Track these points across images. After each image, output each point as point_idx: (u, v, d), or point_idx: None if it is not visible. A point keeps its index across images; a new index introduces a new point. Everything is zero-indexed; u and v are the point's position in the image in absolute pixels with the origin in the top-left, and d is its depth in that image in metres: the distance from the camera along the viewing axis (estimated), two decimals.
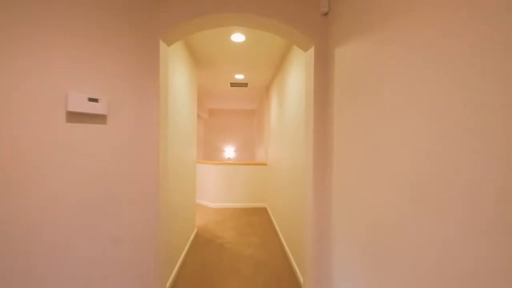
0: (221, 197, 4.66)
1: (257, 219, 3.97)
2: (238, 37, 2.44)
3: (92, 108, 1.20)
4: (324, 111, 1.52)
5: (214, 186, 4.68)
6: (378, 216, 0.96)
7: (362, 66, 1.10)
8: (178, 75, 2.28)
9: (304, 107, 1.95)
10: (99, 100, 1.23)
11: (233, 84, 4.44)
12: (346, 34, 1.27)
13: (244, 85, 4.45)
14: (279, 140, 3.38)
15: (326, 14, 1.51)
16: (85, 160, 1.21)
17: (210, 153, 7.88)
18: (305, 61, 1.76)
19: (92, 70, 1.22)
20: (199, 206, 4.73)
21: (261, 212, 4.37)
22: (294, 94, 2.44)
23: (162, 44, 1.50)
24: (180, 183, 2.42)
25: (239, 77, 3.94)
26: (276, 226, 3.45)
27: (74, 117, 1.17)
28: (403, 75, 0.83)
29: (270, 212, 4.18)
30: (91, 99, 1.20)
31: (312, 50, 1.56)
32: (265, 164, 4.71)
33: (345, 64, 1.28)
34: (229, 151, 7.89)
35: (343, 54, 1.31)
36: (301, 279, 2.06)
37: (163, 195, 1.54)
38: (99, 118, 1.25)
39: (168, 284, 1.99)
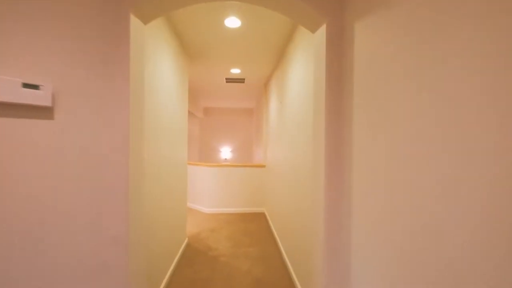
0: (216, 201, 4.34)
1: (254, 226, 3.66)
2: (233, 22, 2.12)
3: (30, 98, 0.88)
4: (339, 104, 1.21)
5: (209, 190, 4.36)
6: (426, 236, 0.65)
7: (397, 46, 0.79)
8: (163, 64, 1.96)
9: (311, 101, 1.64)
10: (40, 87, 0.91)
11: (229, 80, 4.12)
12: (372, 3, 0.96)
13: (241, 80, 4.13)
14: (279, 139, 3.08)
15: None
16: (18, 167, 0.89)
17: (206, 154, 7.55)
18: (313, 45, 1.45)
19: (31, 46, 0.90)
20: (192, 211, 4.41)
21: (259, 218, 4.06)
22: (298, 88, 2.13)
23: (134, 20, 1.18)
24: (166, 187, 2.10)
25: (235, 71, 3.62)
26: (276, 235, 3.14)
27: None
28: (457, 60, 0.53)
29: (268, 218, 3.88)
30: (27, 85, 0.88)
31: (323, 29, 1.25)
32: (264, 166, 4.41)
33: (370, 43, 0.97)
34: (226, 152, 7.58)
35: (367, 29, 1.00)
36: None
37: (137, 205, 1.23)
38: (42, 111, 0.93)
39: None
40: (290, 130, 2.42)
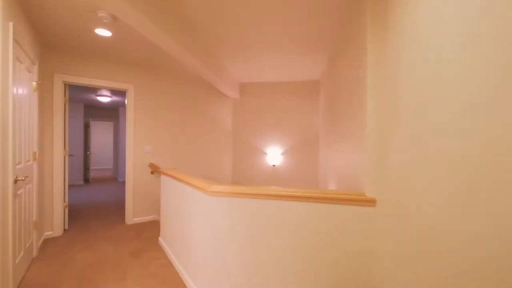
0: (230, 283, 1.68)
1: None
2: None
3: None
4: None
5: (215, 252, 1.73)
6: None
7: None
8: None
9: None
10: None
11: None
12: None
13: None
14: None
15: None
16: None
17: (242, 158, 5.02)
18: None
19: None
20: None
21: None
22: None
23: None
24: None
25: None
26: None
27: None
28: None
29: None
30: None
31: None
32: (372, 203, 1.50)
33: None
34: (274, 155, 4.87)
35: None
36: None
37: None
38: None
39: None
40: None
